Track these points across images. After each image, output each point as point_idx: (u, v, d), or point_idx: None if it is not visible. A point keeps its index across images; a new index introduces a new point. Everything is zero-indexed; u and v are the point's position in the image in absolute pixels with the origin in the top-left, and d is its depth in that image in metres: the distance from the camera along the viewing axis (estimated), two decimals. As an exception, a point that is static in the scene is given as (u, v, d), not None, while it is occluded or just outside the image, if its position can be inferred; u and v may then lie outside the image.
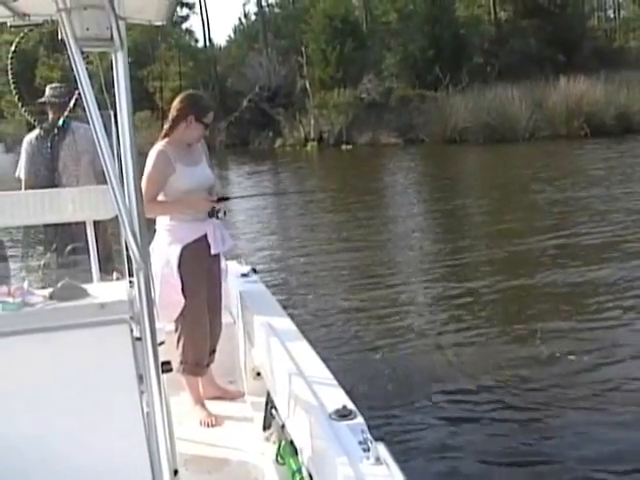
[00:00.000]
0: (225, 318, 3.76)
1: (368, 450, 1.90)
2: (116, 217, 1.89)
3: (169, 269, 3.33)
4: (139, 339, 2.00)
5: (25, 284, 2.38)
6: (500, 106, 22.62)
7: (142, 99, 29.89)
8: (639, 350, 5.25)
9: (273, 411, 2.91)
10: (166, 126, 3.44)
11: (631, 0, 37.95)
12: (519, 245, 8.89)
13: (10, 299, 2.24)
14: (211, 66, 34.44)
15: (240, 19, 53.95)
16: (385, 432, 4.04)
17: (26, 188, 4.36)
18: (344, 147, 25.05)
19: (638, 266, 7.44)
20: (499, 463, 3.89)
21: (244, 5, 76.78)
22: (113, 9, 1.77)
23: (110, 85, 1.91)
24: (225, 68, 35.48)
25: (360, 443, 1.94)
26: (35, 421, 2.08)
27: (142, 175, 3.13)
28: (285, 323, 3.13)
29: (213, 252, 3.44)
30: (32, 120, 4.52)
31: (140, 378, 2.07)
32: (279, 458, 2.73)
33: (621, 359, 5.13)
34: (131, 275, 2.08)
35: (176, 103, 3.43)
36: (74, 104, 4.41)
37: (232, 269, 4.01)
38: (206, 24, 37.74)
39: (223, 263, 3.67)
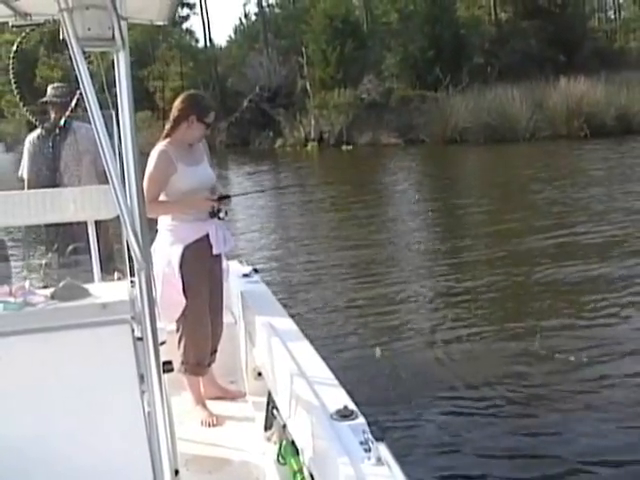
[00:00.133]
0: (226, 318, 3.76)
1: (369, 450, 1.90)
2: (117, 217, 1.88)
3: (171, 269, 3.33)
4: (140, 339, 2.00)
5: (26, 284, 2.38)
6: (500, 106, 22.60)
7: (142, 99, 29.89)
8: (637, 346, 5.30)
9: (274, 411, 2.91)
10: (167, 126, 3.44)
11: (632, 1, 37.96)
12: (519, 245, 8.89)
13: (11, 299, 2.24)
14: (211, 66, 34.45)
15: (240, 19, 54.04)
16: (386, 432, 4.03)
17: (29, 188, 4.37)
18: (344, 147, 25.04)
19: (636, 264, 7.47)
20: (500, 462, 3.90)
21: (244, 5, 77.00)
22: (115, 9, 1.77)
23: (111, 85, 1.91)
24: (225, 68, 35.48)
25: (361, 443, 1.94)
26: (36, 421, 2.08)
27: (144, 175, 3.14)
28: (286, 323, 3.13)
29: (215, 252, 3.45)
30: (34, 120, 4.52)
31: (141, 378, 2.07)
32: (280, 458, 2.73)
33: (619, 355, 5.17)
34: (132, 275, 2.08)
35: (177, 103, 3.43)
36: (76, 104, 4.42)
37: (233, 269, 4.01)
38: (206, 24, 37.86)
39: (225, 263, 3.67)
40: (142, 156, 2.05)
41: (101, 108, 1.81)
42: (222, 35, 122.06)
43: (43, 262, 4.35)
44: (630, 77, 23.19)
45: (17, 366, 2.07)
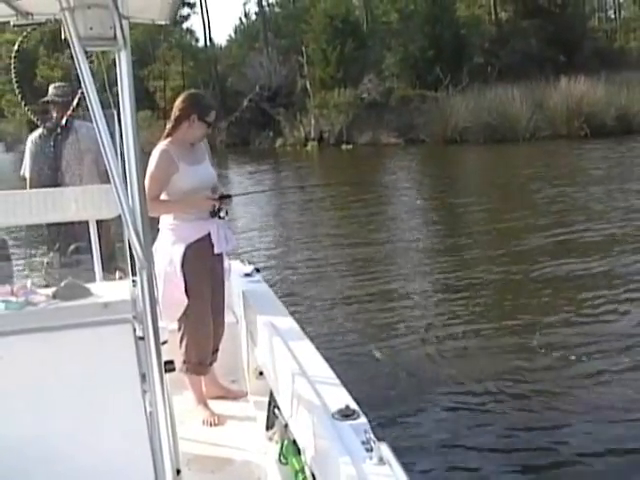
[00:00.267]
0: (228, 317, 3.76)
1: (371, 450, 1.90)
2: (119, 216, 1.88)
3: (172, 268, 3.33)
4: (142, 338, 2.00)
5: (28, 283, 2.38)
6: (500, 106, 22.59)
7: (142, 99, 29.89)
8: (634, 342, 5.36)
9: (276, 410, 2.91)
10: (169, 125, 3.44)
11: (632, 0, 37.95)
12: (519, 243, 8.91)
13: (13, 298, 2.24)
14: (212, 66, 34.45)
15: (241, 19, 53.96)
16: (387, 431, 4.03)
17: (30, 187, 4.37)
18: (344, 147, 25.04)
19: (635, 262, 7.52)
20: (501, 461, 3.90)
21: (245, 5, 76.62)
22: (117, 8, 1.76)
23: (113, 84, 1.91)
24: (225, 68, 35.49)
25: (363, 443, 1.94)
26: (37, 420, 2.08)
27: (145, 174, 3.13)
28: (288, 322, 3.13)
29: (216, 251, 3.44)
30: (35, 119, 4.53)
31: (143, 377, 2.07)
32: (282, 458, 2.73)
33: (617, 351, 5.22)
34: (134, 274, 2.08)
35: (178, 102, 3.43)
36: (77, 103, 4.42)
37: (235, 268, 4.01)
38: (207, 23, 37.87)
39: (226, 262, 3.67)
40: (143, 155, 2.05)
41: (103, 107, 1.80)
42: (222, 34, 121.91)
43: (45, 261, 4.35)
44: (630, 77, 23.18)
45: (19, 365, 2.07)
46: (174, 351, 3.21)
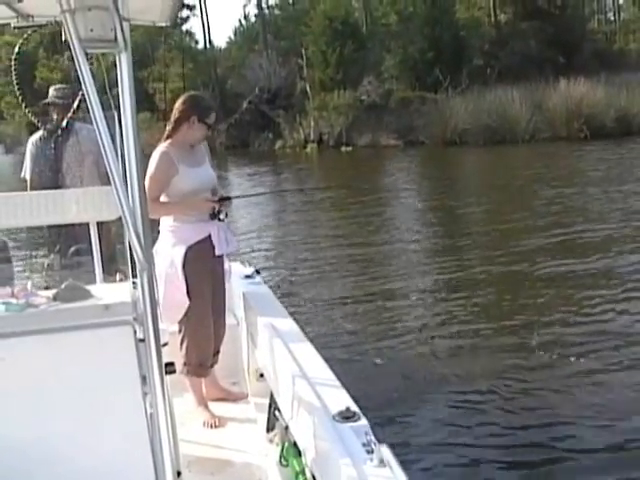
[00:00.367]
0: (229, 319, 3.75)
1: (372, 452, 1.90)
2: (120, 218, 1.88)
3: (173, 270, 3.32)
4: (142, 340, 2.00)
5: (29, 285, 2.39)
6: (500, 108, 22.60)
7: (142, 100, 29.89)
8: (633, 340, 5.39)
9: (276, 412, 2.91)
10: (169, 127, 3.44)
11: (631, 2, 38.01)
12: (518, 244, 8.90)
13: (14, 300, 2.24)
14: (211, 68, 34.48)
15: (240, 21, 53.94)
16: (387, 431, 4.04)
17: (31, 189, 4.37)
18: (344, 149, 25.05)
19: (634, 262, 7.55)
20: (501, 461, 3.90)
21: (244, 7, 76.64)
22: (117, 10, 1.77)
23: (113, 85, 1.91)
24: (225, 70, 35.51)
25: (364, 445, 1.94)
26: (38, 422, 2.08)
27: (145, 176, 3.13)
28: (288, 324, 3.13)
29: (217, 253, 3.44)
30: (36, 121, 4.53)
31: (143, 379, 2.07)
32: (282, 460, 2.73)
33: (615, 349, 5.26)
34: (135, 276, 2.08)
35: (178, 104, 3.43)
36: (78, 105, 4.42)
37: (236, 270, 4.01)
38: (206, 25, 37.95)
39: (227, 264, 3.67)
40: (143, 157, 2.05)
41: (103, 109, 1.80)
42: (222, 36, 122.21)
43: (45, 263, 4.35)
44: (630, 79, 23.22)
45: (19, 367, 2.07)
46: (175, 353, 3.21)
